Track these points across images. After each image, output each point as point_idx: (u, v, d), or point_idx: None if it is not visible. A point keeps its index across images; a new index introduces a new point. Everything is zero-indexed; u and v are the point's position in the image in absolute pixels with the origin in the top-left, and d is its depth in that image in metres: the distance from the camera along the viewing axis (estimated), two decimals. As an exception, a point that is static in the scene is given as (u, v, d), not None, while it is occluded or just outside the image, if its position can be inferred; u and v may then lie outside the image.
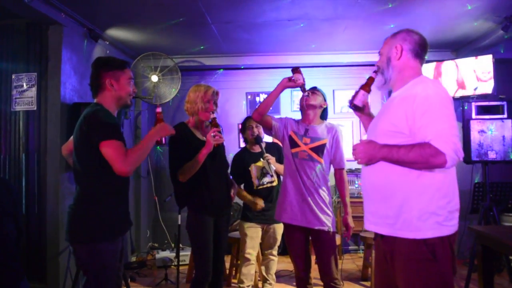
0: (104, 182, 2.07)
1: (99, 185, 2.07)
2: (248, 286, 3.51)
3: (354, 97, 2.05)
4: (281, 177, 3.53)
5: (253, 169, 3.50)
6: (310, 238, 2.83)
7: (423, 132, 1.65)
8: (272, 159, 3.31)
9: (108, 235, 2.07)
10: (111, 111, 2.17)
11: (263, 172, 3.47)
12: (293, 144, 2.80)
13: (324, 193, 2.75)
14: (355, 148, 1.86)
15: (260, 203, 3.41)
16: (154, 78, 4.80)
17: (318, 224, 2.70)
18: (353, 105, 2.07)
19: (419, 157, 1.63)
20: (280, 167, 3.38)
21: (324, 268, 2.74)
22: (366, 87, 2.02)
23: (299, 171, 2.74)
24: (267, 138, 3.62)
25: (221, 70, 5.67)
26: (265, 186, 3.49)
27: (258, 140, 3.43)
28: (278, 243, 3.62)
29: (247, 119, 3.59)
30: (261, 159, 3.41)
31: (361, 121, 2.24)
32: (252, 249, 3.50)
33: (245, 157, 3.55)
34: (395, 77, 1.88)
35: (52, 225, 3.62)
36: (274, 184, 3.50)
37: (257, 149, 3.50)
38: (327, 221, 2.71)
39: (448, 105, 1.69)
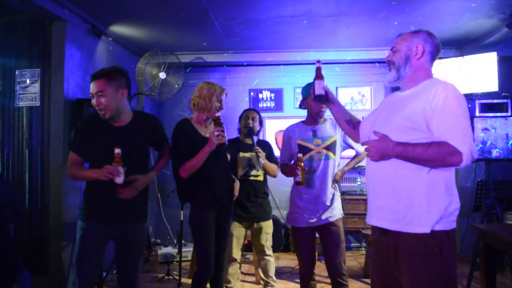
0: None
1: None
2: (235, 286, 3.49)
3: (313, 90, 2.12)
4: (267, 175, 3.53)
5: (241, 158, 3.46)
6: (317, 234, 2.84)
7: (441, 130, 1.67)
8: (262, 154, 3.31)
9: (81, 215, 2.42)
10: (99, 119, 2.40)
11: (250, 164, 3.44)
12: (305, 150, 2.79)
13: (333, 185, 2.83)
14: (367, 144, 1.86)
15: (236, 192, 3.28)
16: (162, 75, 4.80)
17: (333, 217, 2.76)
18: (316, 97, 2.13)
19: (437, 155, 1.65)
20: (269, 165, 3.39)
21: (332, 263, 2.75)
22: (318, 77, 2.11)
23: (316, 174, 2.75)
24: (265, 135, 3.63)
25: (216, 69, 5.67)
26: (249, 177, 3.43)
27: (250, 132, 3.45)
28: (270, 241, 3.54)
29: (247, 110, 3.63)
30: (250, 152, 3.40)
31: (332, 113, 2.28)
32: (237, 249, 3.47)
33: (236, 145, 3.52)
34: (410, 76, 1.89)
35: (55, 220, 3.64)
36: (259, 178, 3.46)
37: (249, 141, 3.48)
38: (336, 210, 2.78)
39: (465, 107, 1.72)
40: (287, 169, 2.83)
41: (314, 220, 2.75)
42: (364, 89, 5.60)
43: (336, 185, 2.85)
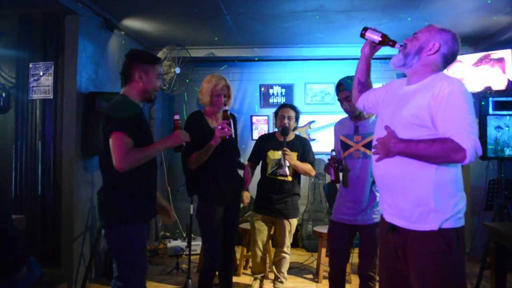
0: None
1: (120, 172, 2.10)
2: (262, 276, 3.55)
3: (372, 29, 2.06)
4: (300, 175, 3.49)
5: (271, 156, 3.44)
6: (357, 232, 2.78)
7: (445, 126, 1.65)
8: (290, 155, 3.24)
9: (131, 219, 2.14)
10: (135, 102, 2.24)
11: (279, 163, 3.38)
12: (345, 147, 2.75)
13: (375, 185, 2.69)
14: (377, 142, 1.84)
15: (246, 199, 3.35)
16: (177, 70, 4.83)
17: (370, 220, 2.67)
18: (364, 30, 2.09)
19: (440, 152, 1.63)
20: (300, 165, 3.34)
21: (362, 266, 2.72)
22: (386, 37, 2.00)
23: (353, 172, 2.69)
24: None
25: (227, 64, 5.67)
26: (276, 177, 3.42)
27: (284, 132, 3.36)
28: (290, 239, 3.53)
29: (281, 106, 3.52)
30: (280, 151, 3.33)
31: (358, 64, 2.27)
32: (260, 242, 3.50)
33: (269, 142, 3.49)
34: (416, 68, 1.84)
35: (67, 212, 3.68)
36: (288, 179, 3.40)
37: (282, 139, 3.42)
38: (377, 213, 2.67)
39: (471, 103, 1.69)
40: (324, 167, 2.78)
41: (351, 218, 2.68)
42: (376, 85, 5.54)
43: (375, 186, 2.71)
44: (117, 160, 2.02)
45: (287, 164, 3.27)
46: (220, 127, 2.61)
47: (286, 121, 3.38)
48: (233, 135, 2.71)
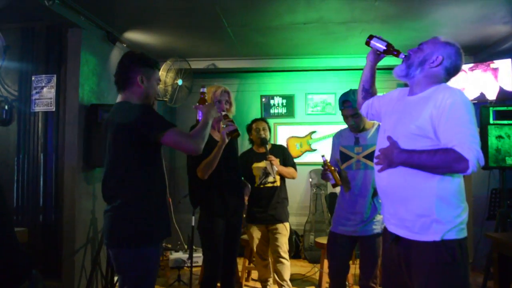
0: (147, 185, 2.02)
1: (142, 187, 2.02)
2: (270, 281, 3.67)
3: (377, 38, 2.05)
4: (285, 179, 3.67)
5: (256, 168, 3.61)
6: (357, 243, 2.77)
7: (447, 136, 1.66)
8: (275, 161, 3.46)
9: (151, 240, 2.02)
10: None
11: (266, 172, 3.59)
12: (345, 158, 2.75)
13: (376, 196, 2.68)
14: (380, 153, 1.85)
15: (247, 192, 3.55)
16: (180, 82, 4.86)
17: (371, 230, 2.66)
18: (369, 38, 2.07)
19: (443, 162, 1.64)
20: (284, 170, 3.53)
21: (363, 277, 2.71)
22: (390, 46, 1.99)
23: (354, 183, 2.69)
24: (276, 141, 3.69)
25: (228, 76, 5.70)
26: (266, 185, 3.58)
27: (263, 142, 3.57)
28: (286, 245, 3.60)
29: (255, 121, 3.76)
30: (264, 160, 3.53)
31: (364, 70, 2.27)
32: (260, 249, 3.63)
33: (250, 157, 3.68)
34: (418, 79, 1.86)
35: (69, 225, 3.68)
36: (276, 184, 3.59)
37: (262, 150, 3.62)
38: (377, 224, 2.66)
39: (472, 113, 1.70)
40: (321, 175, 2.77)
41: (351, 229, 2.67)
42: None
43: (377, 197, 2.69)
44: (189, 146, 2.02)
45: (275, 169, 3.48)
46: (224, 125, 2.59)
47: (262, 132, 3.63)
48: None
